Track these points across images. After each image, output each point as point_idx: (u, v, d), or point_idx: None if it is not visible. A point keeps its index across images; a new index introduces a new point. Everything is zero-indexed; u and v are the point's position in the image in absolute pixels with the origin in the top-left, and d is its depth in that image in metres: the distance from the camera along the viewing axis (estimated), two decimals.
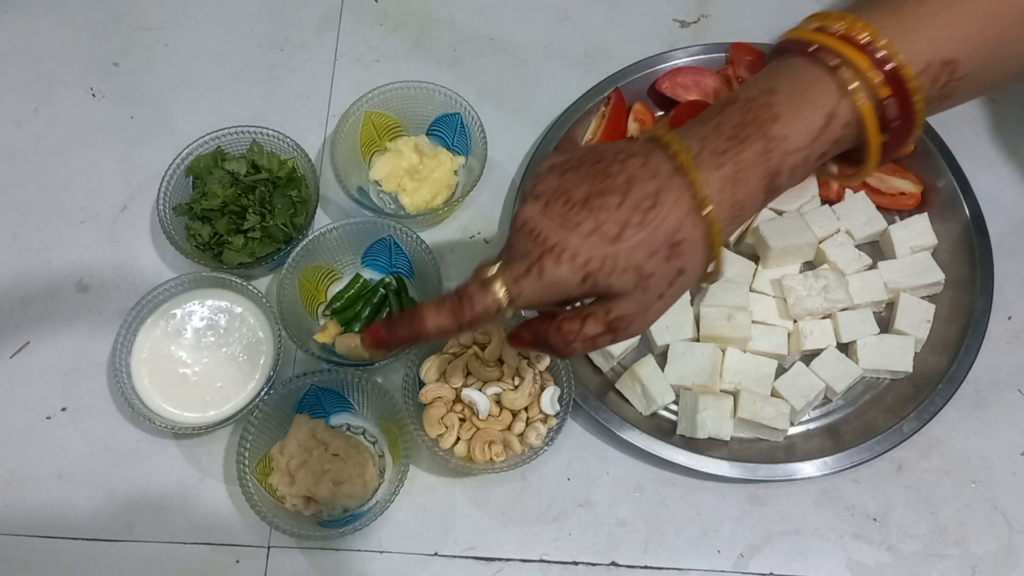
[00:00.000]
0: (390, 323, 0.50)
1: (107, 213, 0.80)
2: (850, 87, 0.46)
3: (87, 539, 0.68)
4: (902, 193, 0.76)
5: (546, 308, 0.52)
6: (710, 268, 0.48)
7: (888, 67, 0.45)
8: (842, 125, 0.46)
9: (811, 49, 0.47)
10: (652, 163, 0.46)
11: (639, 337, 0.71)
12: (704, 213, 0.45)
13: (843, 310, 0.71)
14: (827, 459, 0.66)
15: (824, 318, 0.71)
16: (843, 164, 0.51)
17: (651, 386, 0.68)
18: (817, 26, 0.47)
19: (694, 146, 0.46)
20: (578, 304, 0.49)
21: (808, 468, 0.66)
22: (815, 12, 0.49)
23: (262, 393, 0.68)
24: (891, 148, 0.48)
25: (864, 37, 0.46)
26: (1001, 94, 0.82)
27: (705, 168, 0.46)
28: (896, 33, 0.46)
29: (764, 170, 0.46)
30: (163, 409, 0.69)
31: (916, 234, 0.73)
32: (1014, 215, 0.77)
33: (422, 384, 0.66)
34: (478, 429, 0.65)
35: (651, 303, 0.47)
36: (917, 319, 0.71)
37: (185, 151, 0.75)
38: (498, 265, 0.47)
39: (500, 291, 0.46)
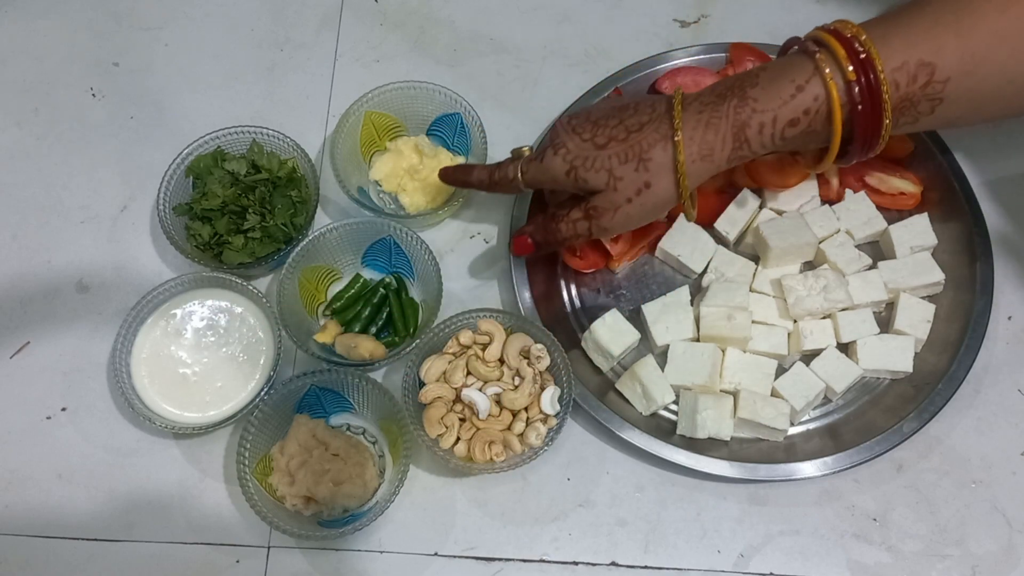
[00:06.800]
0: (456, 167, 0.70)
1: (107, 213, 0.80)
2: (823, 66, 0.57)
3: (87, 539, 0.68)
4: (902, 193, 0.76)
5: (545, 188, 0.70)
6: (682, 201, 0.62)
7: (861, 55, 0.56)
8: (812, 98, 0.57)
9: (803, 40, 0.59)
10: (658, 104, 0.61)
11: (639, 337, 0.71)
12: (675, 139, 0.59)
13: (843, 310, 0.71)
14: (827, 459, 0.66)
15: (824, 318, 0.71)
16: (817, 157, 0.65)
17: (651, 386, 0.68)
18: (818, 25, 0.60)
19: (689, 98, 0.61)
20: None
21: (808, 468, 0.66)
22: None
23: (262, 393, 0.68)
24: (864, 136, 0.59)
25: (849, 32, 0.57)
26: None
27: (689, 111, 0.60)
28: (878, 35, 0.57)
29: (734, 120, 0.59)
30: (163, 409, 0.69)
31: (916, 234, 0.73)
32: (1014, 215, 0.77)
33: (422, 384, 0.67)
34: (478, 429, 0.65)
35: (621, 203, 0.62)
36: (917, 319, 0.71)
37: (185, 151, 0.75)
38: (527, 148, 0.67)
39: (518, 166, 0.65)
